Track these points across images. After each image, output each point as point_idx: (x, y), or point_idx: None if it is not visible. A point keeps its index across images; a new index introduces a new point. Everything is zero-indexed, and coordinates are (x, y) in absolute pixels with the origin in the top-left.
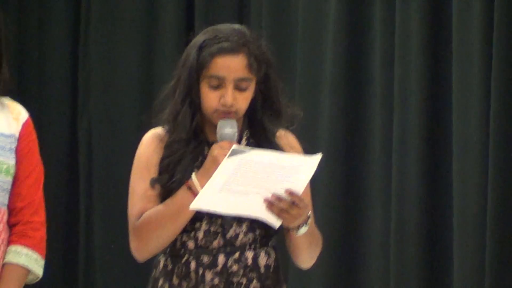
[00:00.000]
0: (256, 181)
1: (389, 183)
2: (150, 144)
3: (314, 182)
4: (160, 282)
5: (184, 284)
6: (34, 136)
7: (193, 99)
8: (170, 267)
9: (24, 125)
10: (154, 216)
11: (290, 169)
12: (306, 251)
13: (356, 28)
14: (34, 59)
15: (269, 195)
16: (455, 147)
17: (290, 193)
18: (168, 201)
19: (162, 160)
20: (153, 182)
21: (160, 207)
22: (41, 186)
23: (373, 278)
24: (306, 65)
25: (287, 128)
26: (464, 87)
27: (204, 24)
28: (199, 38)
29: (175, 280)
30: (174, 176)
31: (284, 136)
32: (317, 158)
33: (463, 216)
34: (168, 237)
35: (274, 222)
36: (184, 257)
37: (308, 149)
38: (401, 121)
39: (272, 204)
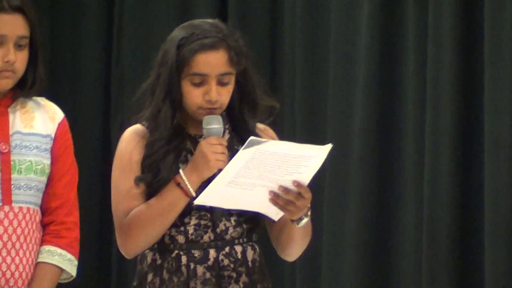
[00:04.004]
0: (265, 172)
1: (421, 184)
2: (131, 141)
3: (347, 182)
4: (149, 277)
5: (175, 278)
6: (69, 136)
7: (174, 97)
8: (159, 261)
9: (60, 125)
10: (142, 213)
11: (301, 159)
12: (300, 243)
13: (389, 30)
14: (67, 58)
15: (275, 187)
16: (487, 148)
17: (298, 184)
18: (156, 198)
19: (145, 159)
20: (138, 181)
21: (148, 204)
22: (76, 186)
23: (405, 279)
24: (339, 67)
25: (264, 120)
26: (496, 89)
27: (237, 23)
28: (175, 35)
29: (165, 275)
30: (159, 174)
31: (264, 130)
32: (327, 148)
33: (495, 217)
34: (158, 233)
35: (275, 215)
36: (174, 251)
37: (342, 150)
38: (434, 122)
39: (278, 196)
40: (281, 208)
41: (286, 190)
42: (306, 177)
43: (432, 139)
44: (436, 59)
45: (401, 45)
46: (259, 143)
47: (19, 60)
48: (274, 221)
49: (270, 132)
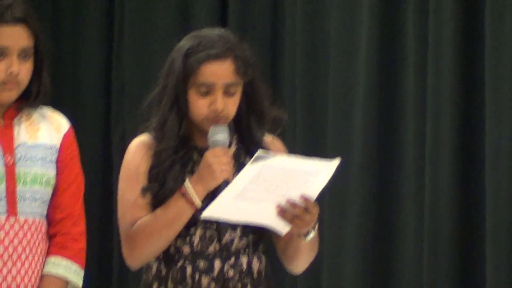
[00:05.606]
0: (273, 187)
1: (422, 192)
2: (138, 152)
3: (347, 191)
4: (154, 287)
5: None
6: (75, 146)
7: (180, 107)
8: (164, 272)
9: (65, 136)
10: (148, 224)
11: (309, 174)
12: (306, 256)
13: (389, 37)
14: (68, 68)
15: (282, 202)
16: (488, 156)
17: (305, 199)
18: (162, 208)
19: (152, 169)
20: (144, 191)
21: (154, 215)
22: (81, 197)
23: (406, 287)
24: (339, 75)
25: (271, 132)
26: (497, 96)
27: (237, 30)
28: (182, 45)
29: (170, 285)
30: (165, 184)
31: (272, 142)
32: (335, 163)
33: (497, 225)
34: (163, 244)
35: (282, 229)
36: (179, 262)
37: (342, 159)
38: (434, 130)
39: (285, 210)
40: (288, 222)
41: (293, 204)
42: (313, 192)
43: (432, 147)
44: (436, 67)
45: (401, 53)
46: (266, 158)
47: (23, 71)
48: (282, 235)
49: (278, 144)
